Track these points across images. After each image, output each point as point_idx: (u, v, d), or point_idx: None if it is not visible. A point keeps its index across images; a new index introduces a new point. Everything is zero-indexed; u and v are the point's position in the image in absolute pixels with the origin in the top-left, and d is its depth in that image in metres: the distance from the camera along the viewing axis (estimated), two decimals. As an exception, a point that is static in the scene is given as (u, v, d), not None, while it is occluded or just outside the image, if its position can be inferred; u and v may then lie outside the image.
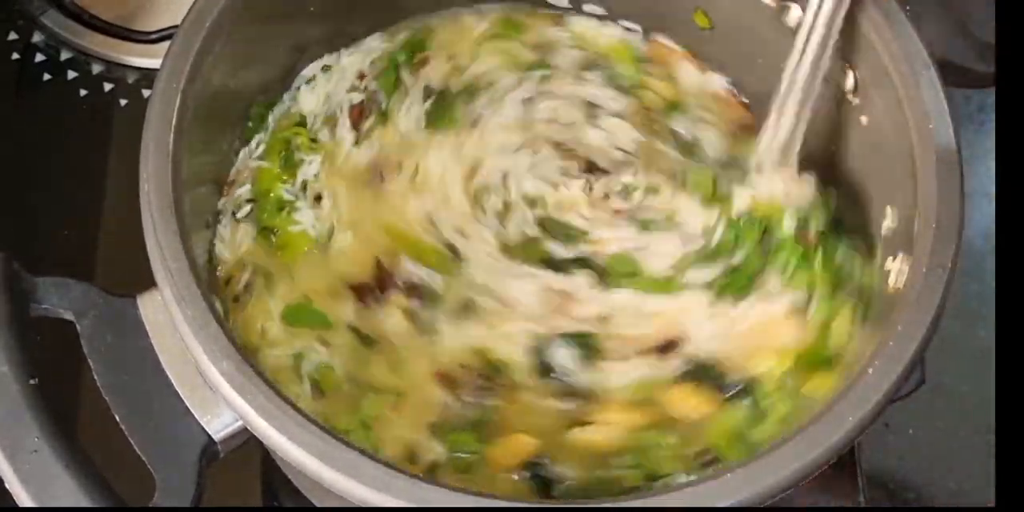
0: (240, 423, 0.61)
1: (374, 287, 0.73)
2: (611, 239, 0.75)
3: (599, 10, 0.85)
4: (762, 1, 0.76)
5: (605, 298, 0.73)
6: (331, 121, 0.78)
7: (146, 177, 0.63)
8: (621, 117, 0.79)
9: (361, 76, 0.80)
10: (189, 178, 0.66)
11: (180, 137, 0.65)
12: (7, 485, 0.60)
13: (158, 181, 0.63)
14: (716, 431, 0.68)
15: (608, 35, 0.84)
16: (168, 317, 0.61)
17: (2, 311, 0.62)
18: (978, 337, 0.94)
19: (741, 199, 0.73)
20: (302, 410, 0.58)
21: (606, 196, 0.76)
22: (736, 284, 0.72)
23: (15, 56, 1.00)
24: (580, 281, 0.73)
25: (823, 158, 0.77)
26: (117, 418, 0.62)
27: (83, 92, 0.99)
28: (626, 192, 0.77)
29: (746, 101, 0.82)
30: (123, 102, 0.98)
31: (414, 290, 0.73)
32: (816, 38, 0.69)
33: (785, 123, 0.72)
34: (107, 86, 0.99)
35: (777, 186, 0.72)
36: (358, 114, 0.79)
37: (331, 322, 0.71)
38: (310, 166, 0.77)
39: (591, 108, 0.80)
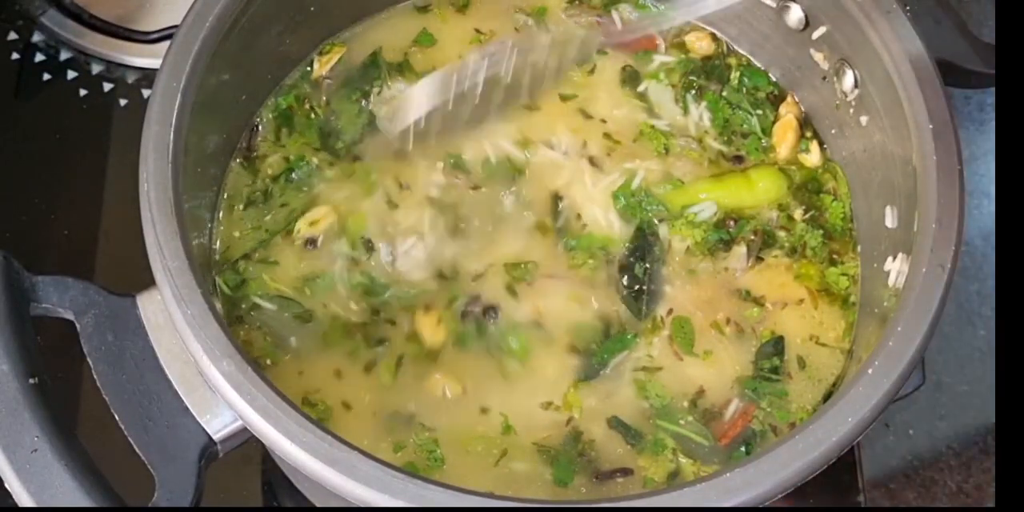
0: (240, 423, 0.61)
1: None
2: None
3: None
4: (762, 1, 0.76)
5: None
6: None
7: (146, 177, 0.63)
8: None
9: None
10: (189, 178, 0.66)
11: (180, 137, 0.65)
12: (7, 485, 0.59)
13: (158, 181, 0.63)
14: None
15: None
16: (168, 316, 0.61)
17: (2, 310, 0.62)
18: (978, 337, 0.94)
19: None
20: (302, 410, 0.58)
21: None
22: None
23: (15, 56, 1.00)
24: None
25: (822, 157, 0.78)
26: (117, 418, 0.62)
27: (83, 92, 0.99)
28: None
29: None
30: (123, 102, 0.98)
31: None
32: None
33: None
34: (107, 86, 0.99)
35: None
36: None
37: None
38: None
39: None
